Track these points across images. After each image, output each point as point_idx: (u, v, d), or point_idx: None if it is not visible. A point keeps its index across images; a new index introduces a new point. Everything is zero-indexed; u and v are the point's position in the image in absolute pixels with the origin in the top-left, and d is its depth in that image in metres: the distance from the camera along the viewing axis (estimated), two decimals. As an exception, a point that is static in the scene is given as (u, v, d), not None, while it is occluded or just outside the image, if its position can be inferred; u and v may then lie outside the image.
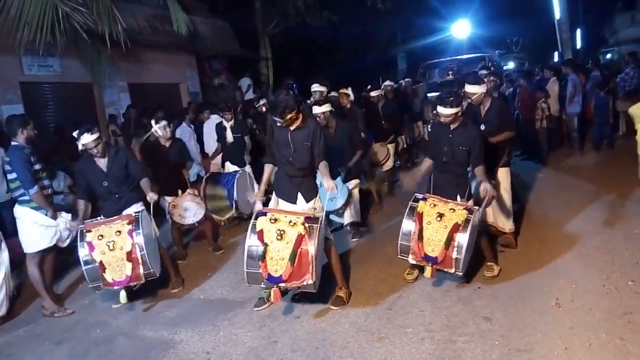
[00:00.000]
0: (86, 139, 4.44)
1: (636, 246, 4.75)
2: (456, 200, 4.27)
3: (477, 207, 4.19)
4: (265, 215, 3.89)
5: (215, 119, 7.90)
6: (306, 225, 3.79)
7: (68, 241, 4.84)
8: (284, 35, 18.34)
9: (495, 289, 4.23)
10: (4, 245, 4.79)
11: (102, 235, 4.25)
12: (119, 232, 4.27)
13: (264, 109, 8.46)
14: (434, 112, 5.01)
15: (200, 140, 8.62)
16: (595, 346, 3.27)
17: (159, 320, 4.45)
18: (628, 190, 6.30)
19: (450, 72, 14.01)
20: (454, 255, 3.95)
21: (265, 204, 4.68)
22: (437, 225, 4.02)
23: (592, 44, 30.61)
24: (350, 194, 5.76)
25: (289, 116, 3.96)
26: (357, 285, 4.60)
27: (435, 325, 3.76)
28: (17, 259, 5.02)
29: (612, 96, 9.01)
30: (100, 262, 4.20)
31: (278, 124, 4.06)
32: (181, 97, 13.99)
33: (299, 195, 4.24)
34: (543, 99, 8.94)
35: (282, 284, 3.82)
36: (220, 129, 7.01)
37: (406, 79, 12.44)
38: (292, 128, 4.09)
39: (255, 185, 7.09)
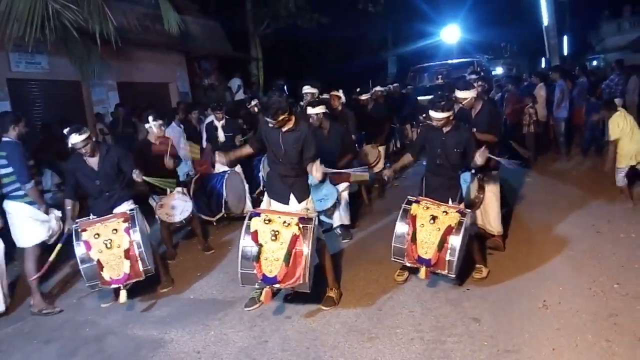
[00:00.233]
0: (75, 139, 4.41)
1: (622, 250, 4.83)
2: (448, 203, 4.32)
3: (469, 210, 4.23)
4: (259, 216, 3.89)
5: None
6: (300, 225, 3.81)
7: (54, 239, 4.80)
8: (275, 37, 18.33)
9: (484, 291, 4.28)
10: None
11: (98, 234, 4.21)
12: (116, 230, 4.25)
13: (255, 109, 8.47)
14: (423, 115, 5.07)
15: (199, 140, 8.55)
16: (582, 347, 3.33)
17: (149, 319, 4.42)
18: (614, 195, 6.41)
19: (440, 76, 14.20)
20: (447, 257, 4.00)
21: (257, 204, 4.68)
22: (430, 227, 4.06)
23: (578, 51, 31.11)
24: (339, 196, 5.78)
25: (281, 117, 3.96)
26: (348, 286, 4.62)
27: (424, 326, 3.80)
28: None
29: (601, 102, 9.16)
30: (98, 260, 4.17)
31: (270, 125, 4.08)
32: (170, 96, 13.88)
33: (292, 196, 4.24)
34: (530, 105, 9.09)
35: (277, 285, 3.82)
36: (211, 128, 6.97)
37: (395, 84, 12.70)
38: (283, 130, 4.09)
39: (246, 185, 7.10)
